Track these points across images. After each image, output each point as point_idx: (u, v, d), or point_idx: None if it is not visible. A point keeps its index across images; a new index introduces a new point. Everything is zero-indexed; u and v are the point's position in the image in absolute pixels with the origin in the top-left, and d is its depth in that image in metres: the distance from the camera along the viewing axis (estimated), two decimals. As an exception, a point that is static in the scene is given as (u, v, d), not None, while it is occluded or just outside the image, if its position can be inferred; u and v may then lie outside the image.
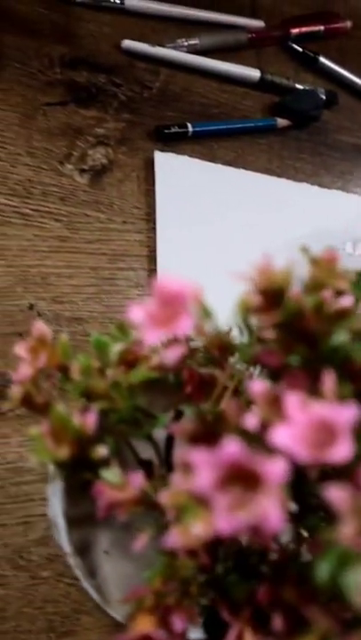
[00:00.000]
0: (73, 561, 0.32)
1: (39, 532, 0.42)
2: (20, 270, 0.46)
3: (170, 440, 0.32)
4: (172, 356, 0.21)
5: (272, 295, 0.25)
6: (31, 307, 0.46)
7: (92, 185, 0.50)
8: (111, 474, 0.27)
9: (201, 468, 0.20)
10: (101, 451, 0.27)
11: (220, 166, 0.55)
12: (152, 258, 0.50)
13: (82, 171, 0.50)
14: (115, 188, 0.51)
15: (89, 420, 0.27)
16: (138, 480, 0.26)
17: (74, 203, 0.49)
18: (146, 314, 0.22)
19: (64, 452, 0.26)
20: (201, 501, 0.21)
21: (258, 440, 0.22)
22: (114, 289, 0.49)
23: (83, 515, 0.32)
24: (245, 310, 0.25)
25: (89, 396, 0.29)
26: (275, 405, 0.23)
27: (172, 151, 0.53)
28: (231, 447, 0.19)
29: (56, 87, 0.51)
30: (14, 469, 0.43)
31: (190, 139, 0.54)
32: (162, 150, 0.53)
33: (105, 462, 0.27)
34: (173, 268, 0.50)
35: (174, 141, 0.54)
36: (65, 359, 0.31)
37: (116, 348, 0.30)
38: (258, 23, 0.61)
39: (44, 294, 0.46)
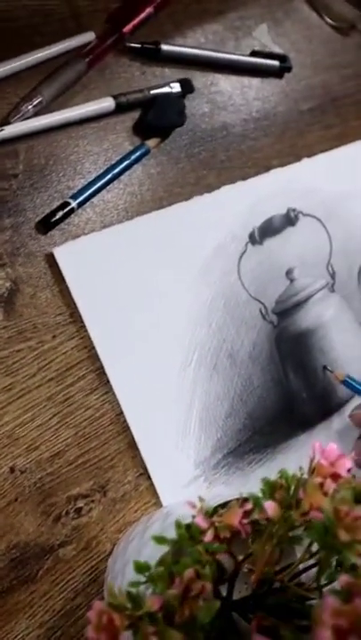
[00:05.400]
0: None
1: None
2: (-13, 442, 0.43)
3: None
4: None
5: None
6: (12, 470, 0.44)
7: (9, 316, 0.45)
8: None
9: None
10: None
11: (116, 227, 0.50)
12: (94, 355, 0.47)
13: (-7, 310, 0.45)
14: (31, 307, 0.46)
15: None
16: None
17: (1, 345, 0.45)
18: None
19: None
20: None
21: None
22: (74, 406, 0.46)
23: None
24: None
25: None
26: None
27: (66, 231, 0.48)
28: None
29: None
30: (66, 614, 0.44)
31: (78, 210, 0.49)
32: (55, 237, 0.48)
33: None
34: (117, 354, 0.48)
35: (64, 221, 0.48)
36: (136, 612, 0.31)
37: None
38: (88, 36, 0.51)
39: (18, 450, 0.44)
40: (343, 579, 0.26)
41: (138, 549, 0.40)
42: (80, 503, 0.45)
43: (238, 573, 0.37)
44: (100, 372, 0.47)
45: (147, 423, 0.48)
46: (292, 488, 0.34)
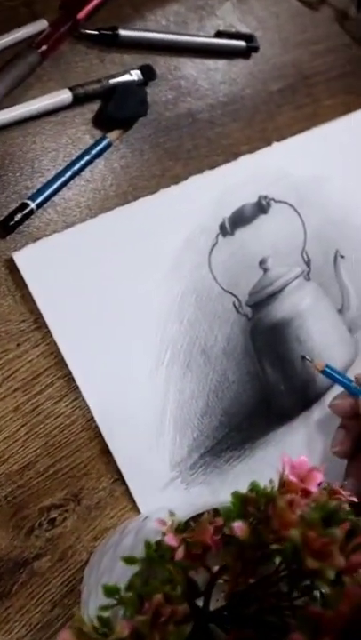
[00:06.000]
0: None
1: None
2: None
3: None
4: None
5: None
6: (-20, 485, 0.42)
7: (-29, 326, 0.43)
8: None
9: None
10: None
11: (79, 226, 0.48)
12: (62, 362, 0.46)
13: None
14: (-7, 315, 0.44)
15: None
16: None
17: None
18: None
19: None
20: None
21: None
22: (43, 415, 0.45)
23: None
24: None
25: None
26: None
27: (27, 233, 0.46)
28: None
29: None
30: (43, 627, 0.43)
31: (39, 211, 0.46)
32: (15, 240, 0.45)
33: None
34: (85, 358, 0.46)
35: (23, 223, 0.46)
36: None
37: None
38: (41, 24, 0.48)
39: (-14, 464, 0.43)
40: (312, 610, 0.25)
41: (111, 563, 0.39)
42: (53, 514, 0.44)
43: (214, 585, 0.36)
44: (69, 377, 0.46)
45: (119, 427, 0.47)
46: (263, 503, 0.33)
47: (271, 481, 0.34)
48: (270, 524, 0.31)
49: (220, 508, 0.35)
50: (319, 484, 0.32)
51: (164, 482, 0.48)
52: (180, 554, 0.33)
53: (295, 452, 0.54)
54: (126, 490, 0.47)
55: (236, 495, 0.34)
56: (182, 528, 0.35)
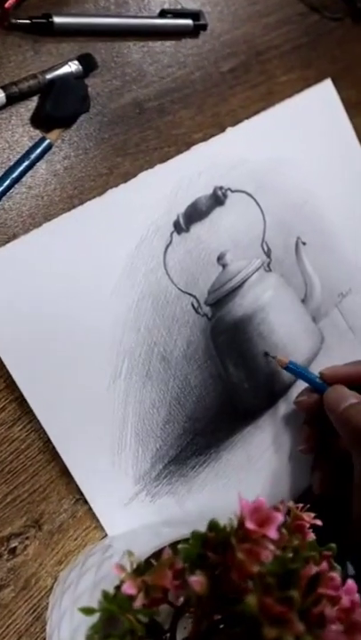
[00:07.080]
0: None
1: None
2: None
3: None
4: None
5: None
6: None
7: None
8: None
9: None
10: None
11: (22, 238, 0.44)
12: (12, 384, 0.43)
13: None
14: None
15: None
16: None
17: None
18: None
19: None
20: None
21: None
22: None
23: None
24: None
25: None
26: None
27: (-35, 250, 0.43)
28: None
29: None
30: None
31: (-25, 226, 0.43)
32: None
33: None
34: (37, 378, 0.44)
35: None
36: None
37: None
38: (-35, 17, 0.44)
39: None
40: None
41: (72, 603, 0.38)
42: (14, 542, 0.42)
43: (179, 619, 0.35)
44: (21, 400, 0.43)
45: (78, 446, 0.45)
46: (221, 547, 0.31)
47: (231, 519, 0.32)
48: (230, 573, 0.30)
49: (179, 548, 0.33)
50: (278, 529, 0.30)
51: (128, 497, 0.47)
52: (138, 602, 0.32)
53: (261, 451, 0.53)
54: (89, 509, 0.45)
55: (195, 535, 0.33)
56: (143, 569, 0.34)
